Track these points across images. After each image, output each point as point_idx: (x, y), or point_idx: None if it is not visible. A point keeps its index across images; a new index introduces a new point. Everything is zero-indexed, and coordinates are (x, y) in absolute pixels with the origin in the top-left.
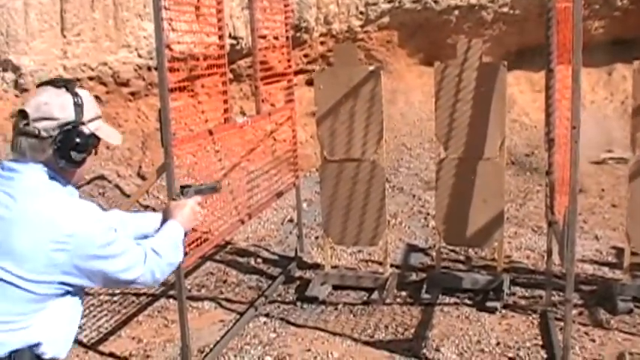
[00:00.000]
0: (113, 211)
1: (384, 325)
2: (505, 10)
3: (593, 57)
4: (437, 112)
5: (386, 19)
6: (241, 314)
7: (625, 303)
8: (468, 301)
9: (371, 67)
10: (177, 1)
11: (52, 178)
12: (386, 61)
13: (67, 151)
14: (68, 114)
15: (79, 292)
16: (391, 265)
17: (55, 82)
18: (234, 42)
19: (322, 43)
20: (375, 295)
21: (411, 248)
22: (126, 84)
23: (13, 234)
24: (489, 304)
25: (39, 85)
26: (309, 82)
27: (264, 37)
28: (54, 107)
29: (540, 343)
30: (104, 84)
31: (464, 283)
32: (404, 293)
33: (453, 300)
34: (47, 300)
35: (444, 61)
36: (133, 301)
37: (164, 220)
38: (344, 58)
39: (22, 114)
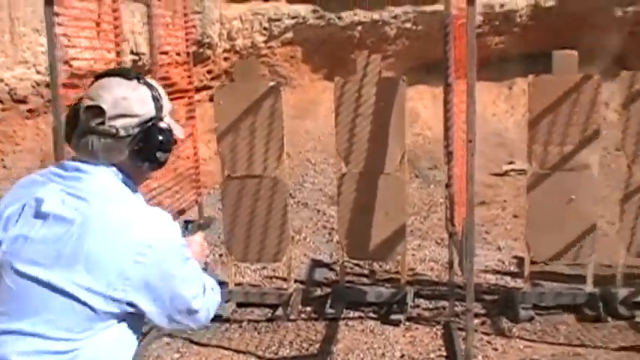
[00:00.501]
0: None
1: (289, 341)
2: (408, 25)
3: (494, 71)
4: (337, 127)
5: (289, 35)
6: (144, 335)
7: (526, 311)
8: (373, 315)
9: (271, 83)
10: (76, 16)
11: (124, 182)
12: (290, 76)
13: (152, 152)
14: (149, 109)
15: (137, 322)
16: (296, 281)
17: (125, 74)
18: (136, 58)
19: (226, 59)
20: (279, 312)
21: (316, 263)
22: (23, 101)
23: (87, 239)
24: (393, 316)
25: (101, 77)
26: (213, 99)
27: (166, 52)
28: (134, 102)
29: (444, 353)
30: (0, 101)
31: (368, 296)
32: (308, 309)
33: (357, 314)
34: (107, 320)
35: (343, 77)
36: None
37: None
38: (244, 73)
39: (95, 110)
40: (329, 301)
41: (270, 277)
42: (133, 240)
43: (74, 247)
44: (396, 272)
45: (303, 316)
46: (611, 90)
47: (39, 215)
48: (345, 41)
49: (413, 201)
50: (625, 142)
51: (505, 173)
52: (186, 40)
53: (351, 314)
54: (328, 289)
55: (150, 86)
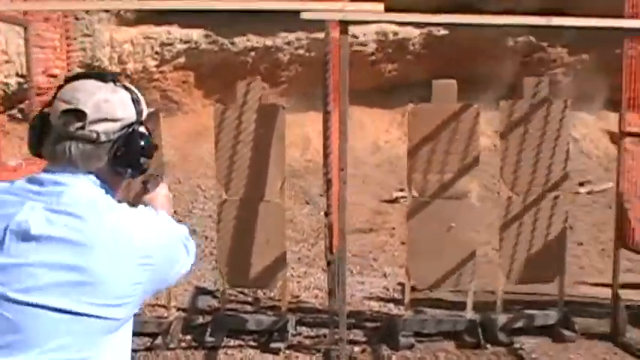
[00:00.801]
0: None
1: None
2: (301, 52)
3: (388, 99)
4: (217, 154)
5: (182, 60)
6: None
7: (406, 338)
8: (253, 343)
9: (150, 109)
10: None
11: (104, 190)
12: (182, 101)
13: (136, 157)
14: (130, 113)
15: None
16: (178, 309)
17: (101, 76)
18: (22, 80)
19: None
20: (158, 341)
21: (200, 291)
22: None
23: (93, 257)
24: (273, 344)
25: (73, 79)
26: None
27: (55, 75)
28: (116, 106)
29: None
30: None
31: (248, 324)
32: (189, 337)
33: (237, 342)
34: (121, 325)
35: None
36: None
37: None
38: None
39: (76, 114)
40: (209, 329)
41: (152, 305)
42: (135, 247)
43: (80, 267)
44: (279, 300)
45: (182, 344)
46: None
47: (28, 239)
48: (238, 67)
49: (302, 227)
50: (503, 170)
51: (395, 200)
52: (68, 65)
53: (231, 342)
54: (210, 318)
55: (128, 89)
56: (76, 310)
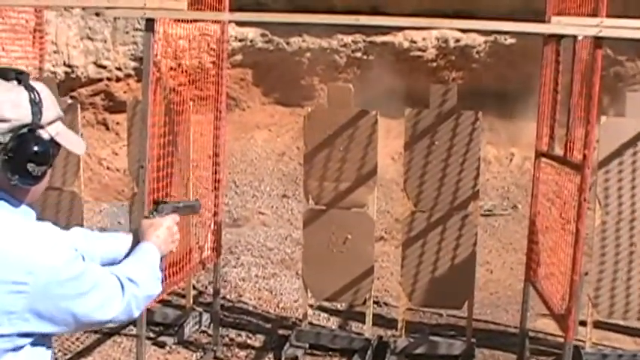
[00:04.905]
0: (75, 229)
1: None
2: (358, 55)
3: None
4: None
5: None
6: None
7: (294, 349)
8: None
9: (69, 100)
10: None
11: (3, 199)
12: (240, 98)
13: (23, 163)
14: (23, 114)
15: (42, 340)
16: None
17: (4, 73)
18: (69, 70)
19: None
20: None
21: None
22: None
23: None
24: None
25: None
26: None
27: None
28: (4, 105)
29: None
30: None
31: None
32: None
33: None
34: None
35: None
36: None
37: (136, 242)
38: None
39: None
40: None
41: None
42: (8, 269)
43: None
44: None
45: None
46: None
47: None
48: (293, 66)
49: None
50: (407, 184)
51: None
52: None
53: None
54: None
55: (30, 89)
56: None
